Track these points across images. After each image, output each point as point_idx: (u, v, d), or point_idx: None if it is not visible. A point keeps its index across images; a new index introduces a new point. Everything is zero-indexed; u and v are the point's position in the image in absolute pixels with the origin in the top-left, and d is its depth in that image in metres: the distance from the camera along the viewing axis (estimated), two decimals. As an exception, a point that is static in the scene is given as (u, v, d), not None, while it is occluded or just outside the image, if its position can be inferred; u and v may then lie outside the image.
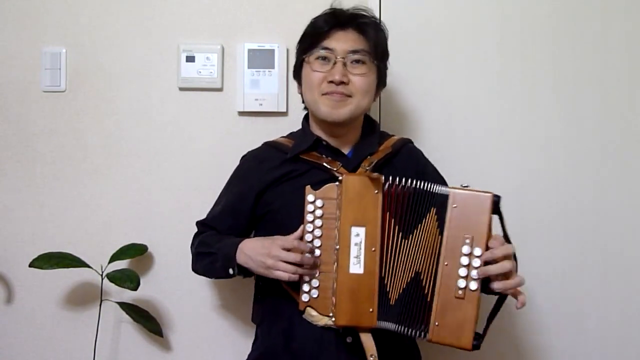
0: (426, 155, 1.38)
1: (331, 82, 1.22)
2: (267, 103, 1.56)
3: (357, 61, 1.23)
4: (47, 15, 1.59)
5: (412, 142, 1.37)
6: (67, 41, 1.59)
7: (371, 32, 1.25)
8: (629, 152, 1.59)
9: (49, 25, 1.59)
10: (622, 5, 1.58)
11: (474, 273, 1.06)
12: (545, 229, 1.59)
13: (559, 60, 1.59)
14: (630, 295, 1.59)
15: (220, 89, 1.58)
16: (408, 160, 1.31)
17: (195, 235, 1.38)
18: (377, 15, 1.56)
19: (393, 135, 1.36)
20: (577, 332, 1.60)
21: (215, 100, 1.59)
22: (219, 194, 1.40)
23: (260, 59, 1.56)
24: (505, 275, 1.07)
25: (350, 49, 1.22)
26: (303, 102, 1.33)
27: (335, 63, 1.22)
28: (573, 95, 1.59)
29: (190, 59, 1.56)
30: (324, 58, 1.24)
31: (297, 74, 1.32)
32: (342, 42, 1.23)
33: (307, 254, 1.12)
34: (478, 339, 1.07)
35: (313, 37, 1.26)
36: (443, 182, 1.33)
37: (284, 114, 1.58)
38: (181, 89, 1.58)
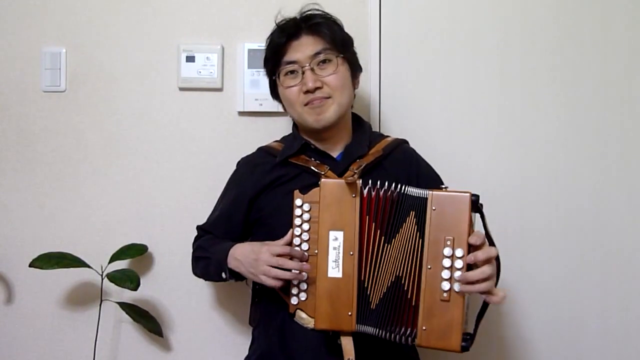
0: (426, 155, 1.38)
1: (307, 91, 1.22)
2: (267, 103, 1.56)
3: (323, 62, 1.24)
4: (47, 15, 1.59)
5: (407, 143, 1.37)
6: (67, 41, 1.59)
7: (324, 29, 1.25)
8: (629, 152, 1.59)
9: (49, 25, 1.59)
10: (622, 5, 1.58)
11: (457, 274, 1.05)
12: (545, 229, 1.59)
13: (559, 61, 1.59)
14: (630, 297, 1.58)
15: (220, 89, 1.58)
16: (401, 162, 1.30)
17: (195, 239, 1.39)
18: (378, 17, 1.58)
19: (387, 137, 1.35)
20: (577, 334, 1.59)
21: (215, 100, 1.59)
22: (219, 193, 1.40)
23: (260, 59, 1.53)
24: (486, 279, 1.05)
25: (312, 53, 1.23)
26: (290, 116, 1.34)
27: (303, 72, 1.23)
28: (573, 95, 1.59)
29: (190, 59, 1.56)
30: (292, 72, 1.25)
31: (275, 94, 1.34)
32: (301, 50, 1.24)
33: (297, 259, 1.12)
34: (467, 340, 1.06)
35: (274, 56, 1.27)
36: (437, 179, 1.33)
37: (284, 114, 1.57)
38: (181, 89, 1.58)
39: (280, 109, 1.55)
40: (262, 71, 1.54)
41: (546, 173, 1.59)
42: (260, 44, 1.55)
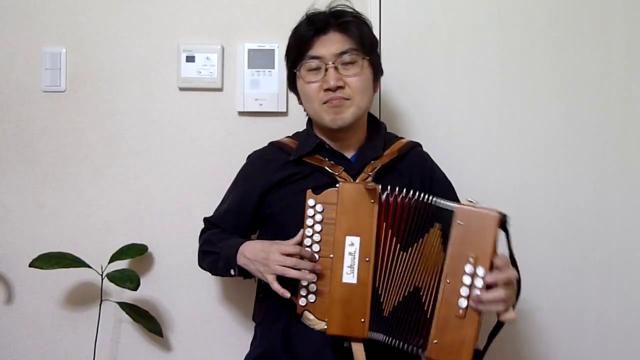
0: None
1: (327, 89, 1.20)
2: (267, 103, 1.56)
3: (348, 62, 1.21)
4: (47, 15, 1.59)
5: (420, 146, 1.35)
6: (67, 41, 1.59)
7: (353, 29, 1.22)
8: (629, 152, 1.59)
9: (49, 25, 1.59)
10: (622, 5, 1.58)
11: (476, 293, 1.04)
12: (545, 229, 1.59)
13: (559, 61, 1.59)
14: (630, 296, 1.58)
15: (220, 89, 1.58)
16: (414, 166, 1.28)
17: (202, 232, 1.39)
18: (378, 16, 1.58)
19: (402, 138, 1.33)
20: (577, 333, 1.59)
21: (215, 100, 1.59)
22: (219, 193, 1.40)
23: (260, 59, 1.56)
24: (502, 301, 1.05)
25: (338, 52, 1.20)
26: (305, 111, 1.31)
27: (326, 70, 1.20)
28: (573, 95, 1.59)
29: (190, 59, 1.56)
30: (315, 67, 1.22)
31: (293, 87, 1.31)
32: (327, 47, 1.21)
33: (307, 260, 1.11)
34: (477, 358, 1.06)
35: (298, 48, 1.24)
36: (450, 187, 1.32)
37: (284, 114, 1.58)
38: (181, 89, 1.58)
39: (281, 109, 1.56)
40: (262, 71, 1.56)
41: (546, 173, 1.59)
42: (260, 44, 1.56)
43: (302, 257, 1.11)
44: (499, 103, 1.59)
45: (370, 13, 1.58)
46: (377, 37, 1.56)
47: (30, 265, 1.43)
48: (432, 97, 1.60)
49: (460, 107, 1.60)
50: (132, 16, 1.59)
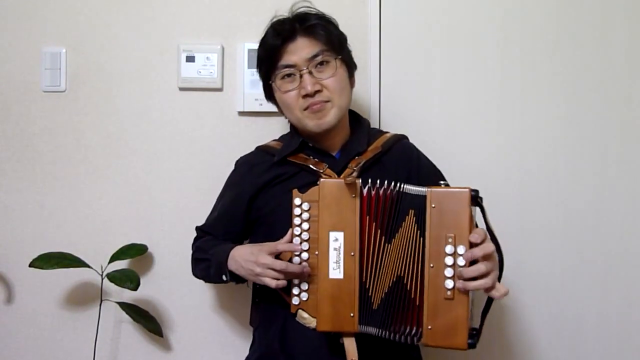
0: (426, 154, 1.37)
1: (306, 95, 1.20)
2: (267, 103, 1.55)
3: (321, 64, 1.21)
4: (47, 15, 1.59)
5: (406, 138, 1.36)
6: (67, 41, 1.59)
7: (320, 31, 1.22)
8: (629, 152, 1.59)
9: (49, 25, 1.59)
10: (622, 5, 1.58)
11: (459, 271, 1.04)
12: (545, 227, 1.59)
13: (559, 61, 1.59)
14: (630, 296, 1.58)
15: (220, 89, 1.58)
16: (401, 158, 1.29)
17: (195, 240, 1.39)
18: (378, 16, 1.58)
19: (386, 133, 1.34)
20: (577, 333, 1.59)
21: (215, 100, 1.59)
22: (218, 194, 1.40)
23: (261, 58, 1.56)
24: (485, 275, 1.04)
25: (309, 56, 1.20)
26: (287, 120, 1.32)
27: (301, 76, 1.21)
28: (573, 94, 1.59)
29: (190, 59, 1.56)
30: (289, 75, 1.22)
31: (270, 97, 1.32)
32: (297, 53, 1.20)
33: (296, 258, 1.12)
34: (473, 337, 1.05)
35: (269, 60, 1.24)
36: (438, 174, 1.33)
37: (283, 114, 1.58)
38: (181, 89, 1.58)
39: (280, 109, 1.56)
40: (261, 72, 1.56)
41: (546, 171, 1.59)
42: (261, 44, 1.56)
43: (291, 260, 1.12)
44: (499, 102, 1.59)
45: (370, 13, 1.58)
46: (377, 37, 1.58)
47: (30, 265, 1.43)
48: (432, 97, 1.60)
49: (461, 107, 1.60)
50: (132, 16, 1.59)
